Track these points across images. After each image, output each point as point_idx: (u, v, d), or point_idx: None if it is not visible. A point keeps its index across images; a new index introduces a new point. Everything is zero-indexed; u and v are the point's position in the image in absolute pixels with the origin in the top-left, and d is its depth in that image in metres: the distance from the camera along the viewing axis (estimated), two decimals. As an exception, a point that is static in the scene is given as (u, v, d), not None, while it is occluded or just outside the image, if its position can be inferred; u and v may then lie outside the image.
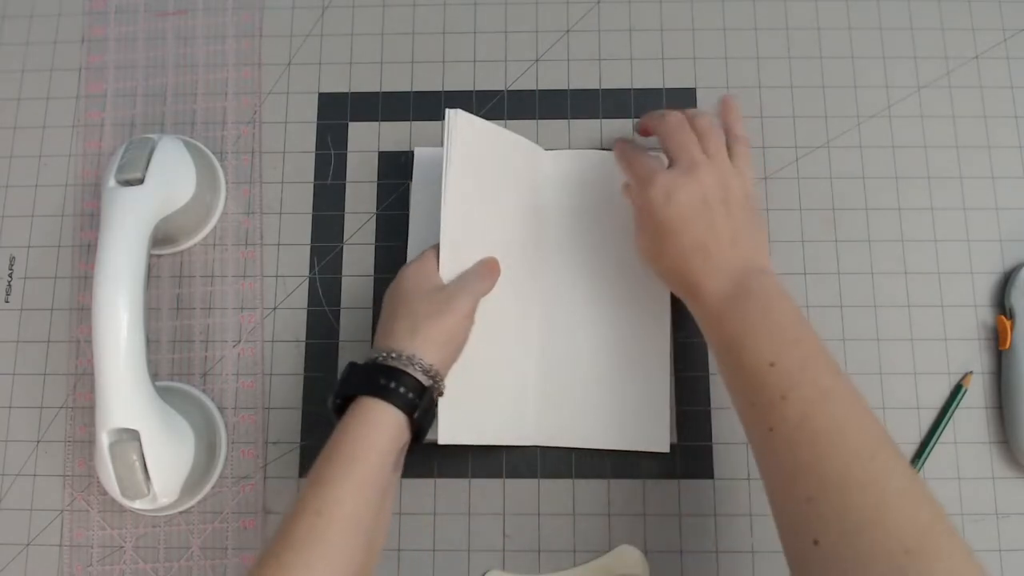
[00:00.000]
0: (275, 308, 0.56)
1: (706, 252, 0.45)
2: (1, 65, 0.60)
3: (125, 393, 0.46)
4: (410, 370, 0.43)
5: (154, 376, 0.48)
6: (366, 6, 0.60)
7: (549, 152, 0.56)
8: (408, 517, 0.52)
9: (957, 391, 0.53)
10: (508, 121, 0.58)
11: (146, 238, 0.48)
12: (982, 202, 0.56)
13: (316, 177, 0.57)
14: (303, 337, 0.55)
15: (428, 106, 0.58)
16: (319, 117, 0.58)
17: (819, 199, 0.56)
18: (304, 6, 0.60)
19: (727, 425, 0.53)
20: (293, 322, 0.55)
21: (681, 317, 0.53)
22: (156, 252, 0.56)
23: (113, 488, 0.47)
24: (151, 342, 0.53)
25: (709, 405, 0.53)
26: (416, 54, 0.59)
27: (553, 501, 0.52)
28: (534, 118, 0.58)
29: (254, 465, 0.53)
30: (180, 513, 0.53)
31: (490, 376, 0.50)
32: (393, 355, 0.43)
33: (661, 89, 0.58)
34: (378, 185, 0.57)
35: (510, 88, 0.59)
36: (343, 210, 0.57)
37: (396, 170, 0.57)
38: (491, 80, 0.59)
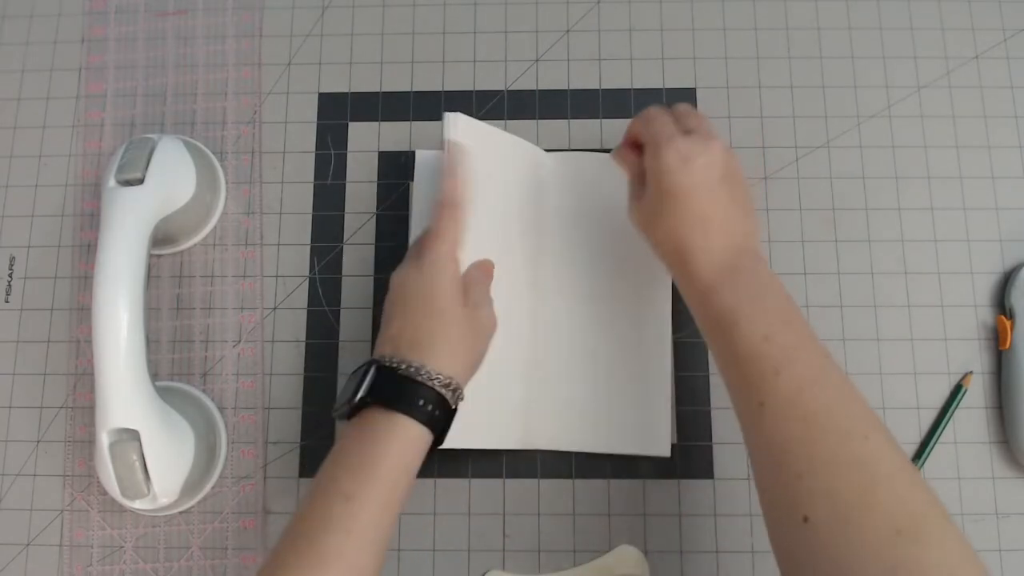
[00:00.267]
0: (275, 308, 0.56)
1: (707, 225, 0.44)
2: (1, 65, 0.60)
3: (125, 393, 0.46)
4: (448, 397, 0.42)
5: (154, 376, 0.48)
6: (366, 6, 0.60)
7: (548, 154, 0.56)
8: (408, 517, 0.52)
9: (957, 391, 0.53)
10: (508, 121, 0.58)
11: (146, 238, 0.48)
12: (982, 202, 0.56)
13: (316, 177, 0.57)
14: (303, 337, 0.55)
15: (428, 106, 0.58)
16: (319, 117, 0.58)
17: (819, 199, 0.56)
18: (304, 6, 0.60)
19: (727, 425, 0.53)
20: (293, 322, 0.55)
21: (681, 317, 0.53)
22: (156, 252, 0.56)
23: (113, 488, 0.47)
24: (151, 342, 0.53)
25: (709, 405, 0.53)
26: (416, 54, 0.59)
27: (553, 501, 0.52)
28: (534, 118, 0.58)
29: (254, 465, 0.53)
30: (180, 513, 0.53)
31: (489, 380, 0.50)
32: (433, 376, 0.41)
33: (661, 89, 0.58)
34: (378, 185, 0.57)
35: (510, 88, 0.59)
36: (343, 210, 0.57)
37: (396, 170, 0.57)
38: (491, 80, 0.59)
